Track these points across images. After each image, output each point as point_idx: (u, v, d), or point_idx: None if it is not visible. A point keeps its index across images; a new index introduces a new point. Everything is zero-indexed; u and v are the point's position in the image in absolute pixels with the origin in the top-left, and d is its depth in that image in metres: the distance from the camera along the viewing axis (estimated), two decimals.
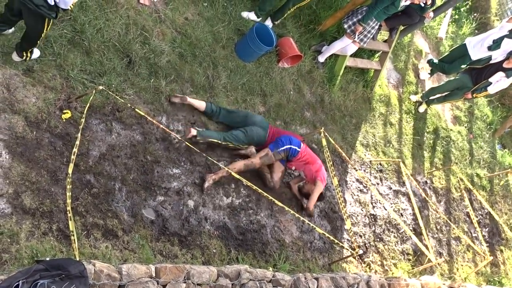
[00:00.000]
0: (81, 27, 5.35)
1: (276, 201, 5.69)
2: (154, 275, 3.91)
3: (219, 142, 5.95)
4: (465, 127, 10.28)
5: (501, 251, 9.50)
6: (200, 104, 6.04)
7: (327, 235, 5.99)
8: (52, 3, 4.05)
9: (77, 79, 5.13)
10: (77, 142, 4.52)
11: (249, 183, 5.56)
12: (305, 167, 6.36)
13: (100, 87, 4.79)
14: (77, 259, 3.93)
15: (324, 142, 6.54)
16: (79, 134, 4.58)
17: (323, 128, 6.69)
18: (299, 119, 7.29)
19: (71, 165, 4.39)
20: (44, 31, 4.37)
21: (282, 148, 6.14)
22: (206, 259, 5.32)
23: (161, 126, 5.22)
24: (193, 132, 5.74)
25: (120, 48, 5.63)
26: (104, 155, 5.05)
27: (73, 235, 4.09)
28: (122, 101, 5.15)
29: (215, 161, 5.46)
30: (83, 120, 4.70)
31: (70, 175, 4.35)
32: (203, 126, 6.07)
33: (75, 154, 4.45)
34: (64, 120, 4.86)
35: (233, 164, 5.94)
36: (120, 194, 4.99)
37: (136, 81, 5.63)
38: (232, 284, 4.37)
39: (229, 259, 5.51)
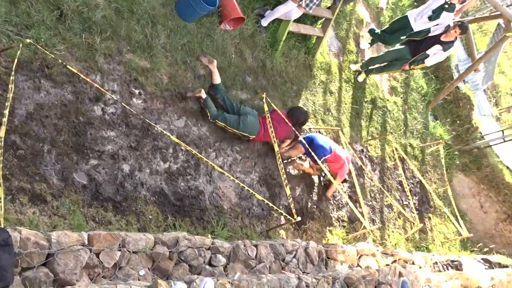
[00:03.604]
0: None
1: (216, 166, 5.54)
2: (86, 242, 3.68)
3: (211, 118, 6.28)
4: (401, 98, 10.46)
5: (429, 218, 9.86)
6: (217, 78, 6.37)
7: (266, 201, 5.92)
8: None
9: (2, 30, 4.68)
10: (7, 104, 4.12)
11: (188, 148, 5.37)
12: (329, 165, 7.47)
13: (28, 41, 4.38)
14: (1, 225, 3.62)
15: (265, 108, 6.42)
16: (11, 95, 4.17)
17: (265, 93, 6.56)
18: (240, 84, 7.10)
19: (3, 128, 4.00)
20: None
21: (323, 159, 7.22)
22: (142, 226, 5.12)
23: (96, 85, 4.89)
24: (203, 95, 6.07)
25: None
26: (31, 114, 4.68)
27: (0, 202, 3.77)
28: (52, 56, 4.76)
29: (152, 124, 5.20)
30: (12, 77, 4.25)
31: (3, 139, 3.96)
32: (140, 88, 5.77)
33: (7, 117, 4.05)
34: None
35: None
36: (49, 157, 4.66)
37: (67, 36, 5.23)
38: (170, 252, 4.20)
39: (165, 226, 5.34)
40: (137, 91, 5.75)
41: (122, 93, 5.57)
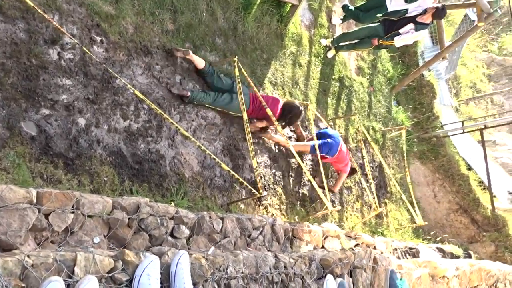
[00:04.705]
0: None
1: (183, 130, 5.04)
2: (35, 201, 3.13)
3: (209, 105, 6.03)
4: (367, 79, 10.21)
5: (385, 203, 9.73)
6: (200, 63, 6.00)
7: (232, 172, 5.48)
8: None
9: None
10: None
11: (153, 106, 4.83)
12: (334, 164, 7.88)
13: None
14: None
15: (236, 72, 5.95)
16: None
17: (236, 57, 6.08)
18: (209, 45, 6.57)
19: None
20: None
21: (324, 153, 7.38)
22: (96, 188, 4.58)
23: (54, 23, 4.26)
24: (188, 93, 5.71)
25: None
26: None
27: None
28: None
29: (116, 75, 4.63)
30: None
31: None
32: (102, 35, 5.16)
33: None
34: None
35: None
36: None
37: None
38: (129, 219, 3.70)
39: (121, 190, 4.81)
40: (98, 38, 5.13)
41: (82, 38, 4.94)
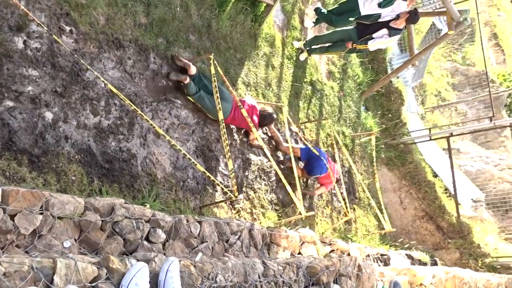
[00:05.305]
0: None
1: (157, 127, 4.74)
2: (0, 200, 2.79)
3: (189, 95, 5.93)
4: (338, 83, 10.11)
5: (354, 209, 9.62)
6: (194, 69, 5.99)
7: (207, 174, 5.21)
8: None
9: None
10: None
11: (127, 101, 4.52)
12: (320, 178, 7.97)
13: None
14: None
15: (212, 70, 5.70)
16: None
17: (213, 54, 5.83)
18: (183, 41, 6.30)
19: None
20: None
21: (316, 176, 7.88)
22: (63, 188, 4.23)
23: (22, 7, 3.91)
24: (188, 79, 5.82)
25: None
26: None
27: None
28: None
29: (88, 67, 4.30)
30: None
31: None
32: (72, 25, 4.82)
33: None
34: None
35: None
36: None
37: None
38: (103, 221, 3.39)
39: (90, 191, 4.48)
40: (68, 28, 4.78)
41: (51, 27, 4.59)
